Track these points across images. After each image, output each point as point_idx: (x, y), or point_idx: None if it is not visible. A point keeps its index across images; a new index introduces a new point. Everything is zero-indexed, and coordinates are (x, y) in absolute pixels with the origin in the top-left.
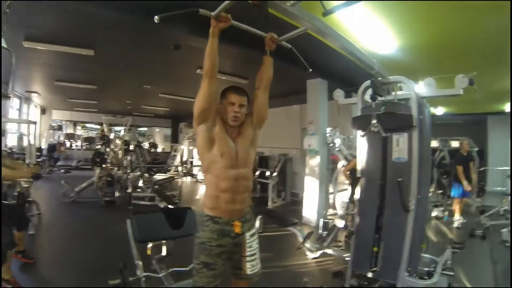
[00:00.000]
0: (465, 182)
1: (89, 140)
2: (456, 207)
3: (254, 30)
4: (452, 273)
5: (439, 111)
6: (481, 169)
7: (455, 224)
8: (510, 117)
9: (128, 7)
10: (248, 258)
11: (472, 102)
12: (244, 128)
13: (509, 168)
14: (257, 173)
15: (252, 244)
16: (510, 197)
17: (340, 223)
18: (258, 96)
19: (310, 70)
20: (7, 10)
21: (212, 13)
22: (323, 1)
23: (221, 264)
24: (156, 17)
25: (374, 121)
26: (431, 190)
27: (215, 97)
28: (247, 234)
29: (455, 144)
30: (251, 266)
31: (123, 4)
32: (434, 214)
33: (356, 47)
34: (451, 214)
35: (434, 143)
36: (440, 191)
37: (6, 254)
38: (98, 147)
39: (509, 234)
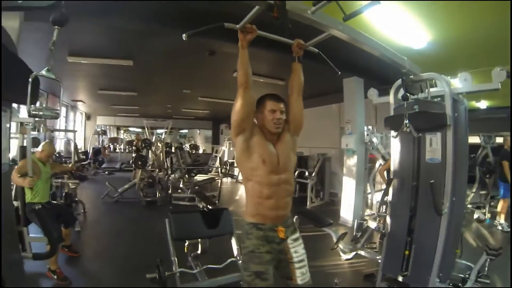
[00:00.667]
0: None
1: (131, 143)
2: (503, 209)
3: (281, 38)
4: (488, 281)
5: (482, 104)
6: None
7: (501, 228)
8: None
9: (160, 20)
10: (296, 265)
11: None
12: (283, 134)
13: None
14: (296, 173)
15: (297, 249)
16: None
17: (373, 224)
18: (292, 103)
19: (339, 73)
20: (52, 48)
21: (237, 26)
22: (341, 6)
23: (272, 273)
24: (184, 35)
25: (406, 121)
26: (473, 190)
27: (251, 107)
28: (290, 239)
29: (499, 140)
30: (301, 274)
31: (155, 18)
32: (475, 216)
33: (384, 47)
34: (494, 216)
35: (476, 140)
36: (483, 192)
37: (55, 248)
38: (132, 153)
39: None
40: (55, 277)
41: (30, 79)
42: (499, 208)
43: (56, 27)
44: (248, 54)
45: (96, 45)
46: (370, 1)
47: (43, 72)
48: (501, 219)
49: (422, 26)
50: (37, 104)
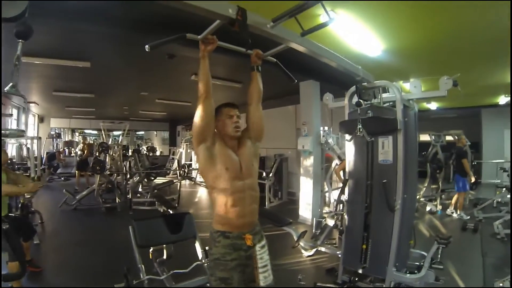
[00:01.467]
0: (471, 174)
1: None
2: (461, 201)
3: (240, 48)
4: (441, 267)
5: (433, 106)
6: (475, 162)
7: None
8: (510, 111)
9: (120, 22)
10: (260, 270)
11: (465, 95)
12: (243, 141)
13: (504, 161)
14: None
15: (263, 256)
16: (510, 190)
17: (331, 222)
18: (252, 110)
19: (295, 81)
20: (17, 63)
21: (199, 37)
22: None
23: (237, 278)
24: (146, 46)
25: (359, 126)
26: (425, 185)
27: (211, 116)
28: (258, 246)
29: (449, 138)
30: (264, 278)
31: (115, 20)
32: (428, 208)
33: (340, 57)
34: (445, 208)
35: (427, 138)
36: (434, 186)
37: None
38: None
39: (502, 227)
40: None
41: None
42: (455, 200)
43: (20, 40)
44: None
45: (52, 45)
46: (326, 20)
47: (8, 88)
48: (459, 210)
49: (377, 36)
50: None
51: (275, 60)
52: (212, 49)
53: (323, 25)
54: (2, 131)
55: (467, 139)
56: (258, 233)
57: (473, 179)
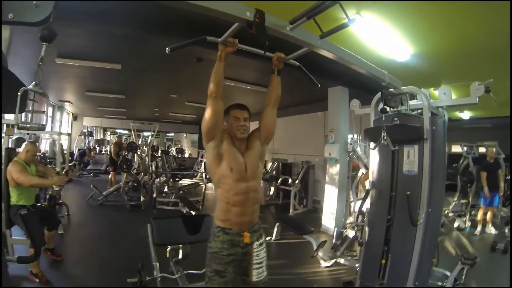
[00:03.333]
0: (486, 189)
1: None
2: (481, 216)
3: (260, 51)
4: None
5: (465, 115)
6: (509, 176)
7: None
8: None
9: (149, 25)
10: (254, 266)
11: (500, 104)
12: (252, 142)
13: None
14: (280, 180)
15: (259, 253)
16: None
17: (352, 233)
18: (266, 112)
19: (319, 86)
20: (40, 64)
21: (219, 39)
22: (319, 24)
23: (232, 271)
24: (167, 48)
25: (383, 134)
26: (455, 199)
27: (220, 115)
28: (255, 244)
29: (482, 149)
30: (257, 273)
31: (144, 23)
32: (456, 224)
33: (363, 61)
34: (474, 224)
35: (459, 149)
36: (464, 201)
37: (38, 252)
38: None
39: None
40: (37, 280)
41: (19, 93)
42: (479, 216)
43: (44, 43)
44: (236, 62)
45: (85, 48)
46: (344, 22)
47: (31, 86)
48: (479, 227)
49: (405, 39)
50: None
51: (298, 64)
52: (231, 52)
53: (343, 26)
54: (23, 124)
55: (501, 151)
56: (257, 231)
57: (486, 194)
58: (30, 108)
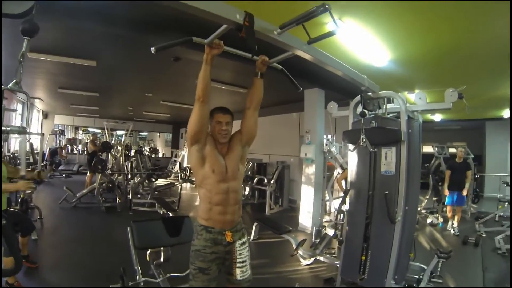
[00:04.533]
0: (445, 185)
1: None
2: (449, 215)
3: (246, 54)
4: (440, 281)
5: (437, 117)
6: (478, 175)
7: (452, 231)
8: (510, 123)
9: (127, 23)
10: (238, 265)
11: (470, 108)
12: (233, 145)
13: (507, 174)
14: (255, 180)
15: (242, 252)
16: (510, 203)
17: (331, 232)
18: (247, 115)
19: (301, 89)
20: (21, 60)
21: (205, 41)
22: (307, 30)
23: (215, 269)
24: (152, 48)
25: (362, 136)
26: (427, 197)
27: (206, 120)
28: (238, 243)
29: (452, 150)
30: (241, 272)
31: (121, 21)
32: (429, 220)
33: (346, 66)
34: (446, 220)
35: (430, 149)
36: (435, 198)
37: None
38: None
39: (503, 241)
40: None
41: None
42: (448, 214)
43: (26, 37)
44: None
45: (59, 43)
46: (333, 29)
47: (11, 85)
48: (450, 223)
49: (383, 45)
50: None
51: (281, 67)
52: (217, 54)
53: (330, 34)
54: (4, 127)
55: (470, 152)
56: (239, 231)
57: (446, 193)
58: (12, 108)
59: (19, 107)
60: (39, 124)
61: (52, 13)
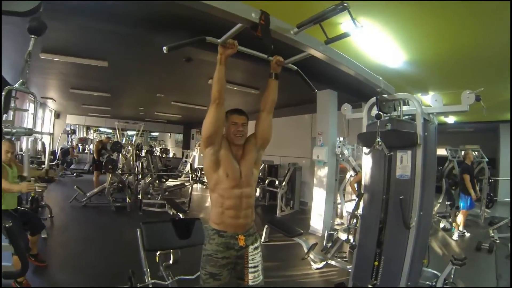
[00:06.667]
0: (471, 190)
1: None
2: (462, 219)
3: (260, 54)
4: None
5: (450, 119)
6: (492, 179)
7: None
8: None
9: (139, 23)
10: (250, 270)
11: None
12: (248, 149)
13: None
14: (266, 181)
15: (255, 257)
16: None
17: (343, 236)
18: (262, 118)
19: (316, 91)
20: (28, 59)
21: (219, 40)
22: (325, 30)
23: (226, 274)
24: (164, 47)
25: (378, 139)
26: (440, 201)
27: (221, 122)
28: (251, 247)
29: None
30: (253, 277)
31: (133, 21)
32: (441, 225)
33: (361, 67)
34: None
35: (444, 152)
36: (449, 202)
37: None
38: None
39: None
40: None
41: (3, 93)
42: (459, 219)
43: (32, 36)
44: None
45: (71, 43)
46: (351, 29)
47: (17, 85)
48: (461, 228)
49: (399, 46)
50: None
51: (296, 68)
52: (231, 54)
53: (348, 34)
54: (8, 129)
55: (484, 155)
56: (252, 235)
57: (474, 197)
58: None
59: (31, 107)
60: (51, 123)
61: (62, 12)
